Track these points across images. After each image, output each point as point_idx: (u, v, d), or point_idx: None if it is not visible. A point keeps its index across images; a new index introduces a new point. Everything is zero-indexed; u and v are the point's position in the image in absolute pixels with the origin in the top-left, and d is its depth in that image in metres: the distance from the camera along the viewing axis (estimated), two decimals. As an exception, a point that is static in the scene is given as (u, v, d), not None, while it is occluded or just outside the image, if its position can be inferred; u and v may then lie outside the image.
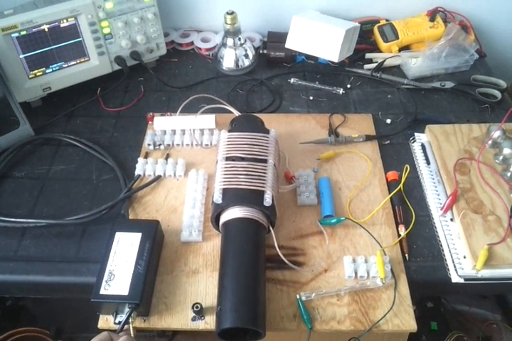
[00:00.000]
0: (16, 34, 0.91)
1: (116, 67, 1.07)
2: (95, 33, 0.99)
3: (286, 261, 0.72)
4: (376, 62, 1.13)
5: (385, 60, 1.11)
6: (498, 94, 1.03)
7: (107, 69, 1.06)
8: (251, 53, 1.11)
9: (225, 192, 0.74)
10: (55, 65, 1.00)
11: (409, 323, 0.69)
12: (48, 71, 0.99)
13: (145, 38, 1.05)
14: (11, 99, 0.91)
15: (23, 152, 0.94)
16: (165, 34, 1.14)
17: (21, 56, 0.94)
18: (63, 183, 0.89)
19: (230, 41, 1.08)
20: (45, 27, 0.94)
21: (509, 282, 0.74)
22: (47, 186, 0.88)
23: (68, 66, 1.01)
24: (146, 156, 0.92)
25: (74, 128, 0.99)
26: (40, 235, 0.80)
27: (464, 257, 0.75)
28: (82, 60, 1.02)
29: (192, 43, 1.20)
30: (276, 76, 1.12)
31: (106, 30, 1.00)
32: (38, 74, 0.98)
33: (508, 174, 0.84)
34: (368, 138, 0.94)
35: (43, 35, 0.94)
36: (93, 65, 1.03)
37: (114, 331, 0.65)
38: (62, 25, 0.95)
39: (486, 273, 0.73)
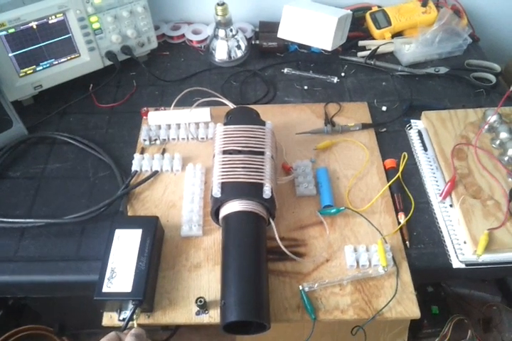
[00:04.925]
0: (4, 32, 0.90)
1: (108, 63, 1.06)
2: (85, 29, 0.98)
3: (288, 253, 0.72)
4: (369, 49, 1.12)
5: (378, 47, 1.10)
6: (492, 78, 1.03)
7: (98, 64, 1.05)
8: (243, 44, 1.10)
9: (224, 185, 0.73)
10: (45, 63, 0.98)
11: (412, 310, 0.69)
12: (38, 69, 0.98)
13: (135, 31, 1.04)
14: (2, 99, 0.90)
15: (17, 151, 0.93)
16: (155, 27, 1.13)
17: (10, 54, 0.93)
18: (60, 182, 0.88)
19: (221, 32, 1.07)
20: (34, 24, 0.92)
21: (510, 266, 0.74)
22: (43, 185, 0.88)
23: (59, 63, 1.00)
24: (142, 152, 0.91)
25: (67, 125, 0.98)
26: (40, 235, 0.80)
27: (465, 242, 0.76)
28: (73, 56, 1.01)
29: (183, 36, 1.19)
30: (269, 66, 1.11)
31: (95, 26, 0.99)
32: (28, 72, 0.97)
33: (506, 158, 0.84)
34: (364, 126, 0.94)
35: (32, 33, 0.93)
36: (84, 61, 1.02)
37: (119, 328, 0.65)
38: (50, 22, 0.94)
39: (487, 257, 0.74)
